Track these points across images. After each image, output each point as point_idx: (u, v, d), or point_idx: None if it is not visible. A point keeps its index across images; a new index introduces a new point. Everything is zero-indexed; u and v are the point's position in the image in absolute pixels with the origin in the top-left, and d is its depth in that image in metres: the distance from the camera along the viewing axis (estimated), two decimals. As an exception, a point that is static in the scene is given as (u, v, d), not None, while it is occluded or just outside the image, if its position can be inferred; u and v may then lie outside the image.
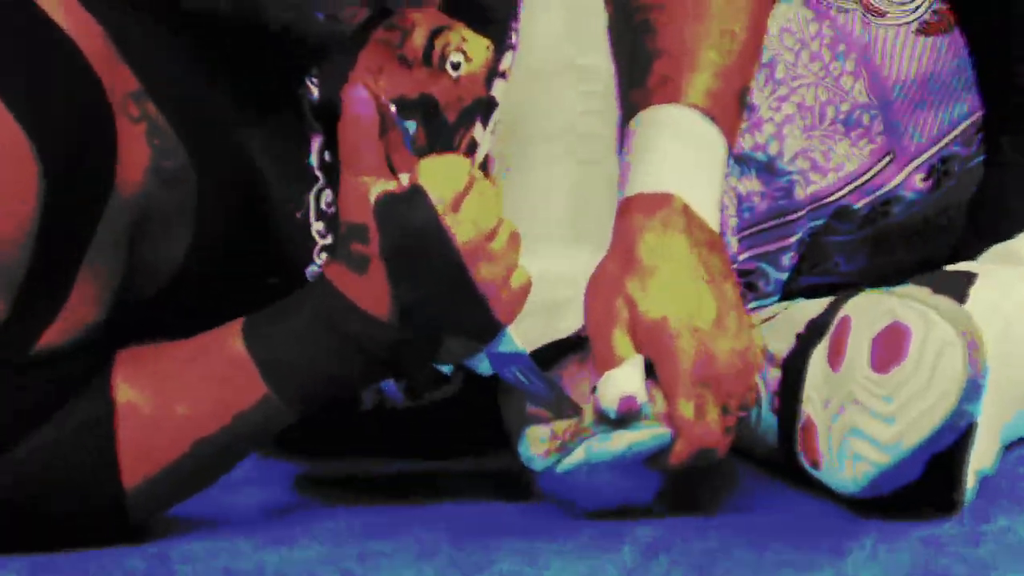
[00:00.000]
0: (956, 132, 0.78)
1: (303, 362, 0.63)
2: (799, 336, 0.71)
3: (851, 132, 0.76)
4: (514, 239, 0.63)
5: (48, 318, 0.62)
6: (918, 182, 0.78)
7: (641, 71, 0.70)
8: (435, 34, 0.67)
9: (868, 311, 0.66)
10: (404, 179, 0.62)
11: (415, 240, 0.60)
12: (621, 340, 0.63)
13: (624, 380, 0.62)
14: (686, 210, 0.66)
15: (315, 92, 0.66)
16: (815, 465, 0.67)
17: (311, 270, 0.68)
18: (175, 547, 0.63)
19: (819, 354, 0.70)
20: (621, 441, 0.62)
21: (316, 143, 0.68)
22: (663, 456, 0.63)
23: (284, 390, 0.63)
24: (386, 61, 0.67)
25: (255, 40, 0.64)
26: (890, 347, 0.64)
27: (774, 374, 0.72)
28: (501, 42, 0.70)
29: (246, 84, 0.66)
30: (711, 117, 0.68)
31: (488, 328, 0.62)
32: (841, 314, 0.67)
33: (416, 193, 0.61)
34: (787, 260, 0.77)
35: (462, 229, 0.61)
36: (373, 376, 0.65)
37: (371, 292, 0.62)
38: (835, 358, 0.67)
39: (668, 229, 0.66)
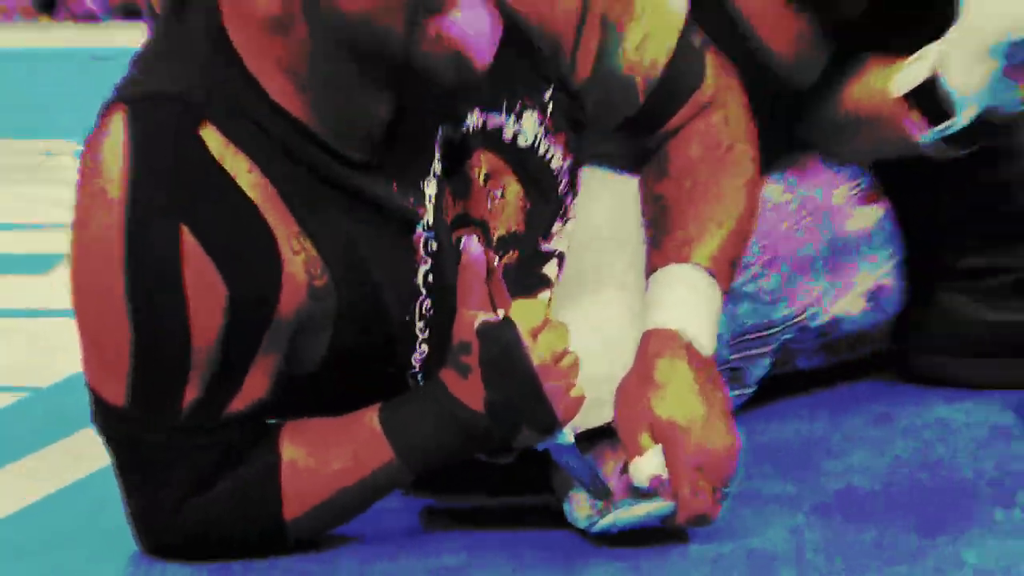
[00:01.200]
0: (887, 267, 1.09)
1: (419, 438, 0.87)
2: None
3: (811, 272, 1.06)
4: (575, 365, 0.87)
5: (229, 397, 0.85)
6: (858, 307, 1.08)
7: (663, 238, 0.96)
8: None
9: None
10: (500, 313, 0.88)
11: (504, 357, 0.85)
12: (645, 436, 0.88)
13: (650, 464, 0.87)
14: (688, 345, 0.91)
15: (423, 228, 0.91)
16: None
17: (415, 358, 0.92)
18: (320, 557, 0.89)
19: None
20: (640, 511, 0.87)
21: (423, 267, 0.93)
22: (669, 519, 0.88)
23: (406, 457, 0.87)
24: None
25: (381, 194, 0.89)
26: None
27: None
28: (558, 212, 0.96)
29: (373, 226, 0.91)
30: (712, 274, 0.93)
31: (552, 425, 0.86)
32: None
33: (507, 324, 0.85)
34: (766, 362, 1.06)
35: (537, 353, 0.85)
36: (469, 451, 0.90)
37: (471, 392, 0.85)
38: None
39: (675, 358, 0.90)
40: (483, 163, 0.92)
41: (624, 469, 0.87)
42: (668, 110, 0.98)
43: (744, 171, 0.99)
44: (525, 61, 0.95)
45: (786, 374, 1.11)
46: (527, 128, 0.95)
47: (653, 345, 0.90)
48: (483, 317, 0.85)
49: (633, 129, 0.99)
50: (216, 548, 0.88)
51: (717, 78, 1.00)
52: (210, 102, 0.83)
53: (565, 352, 0.85)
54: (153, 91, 0.84)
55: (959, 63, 1.02)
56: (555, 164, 0.96)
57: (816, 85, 1.08)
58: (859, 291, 1.10)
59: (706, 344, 0.90)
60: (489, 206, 0.93)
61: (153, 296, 0.83)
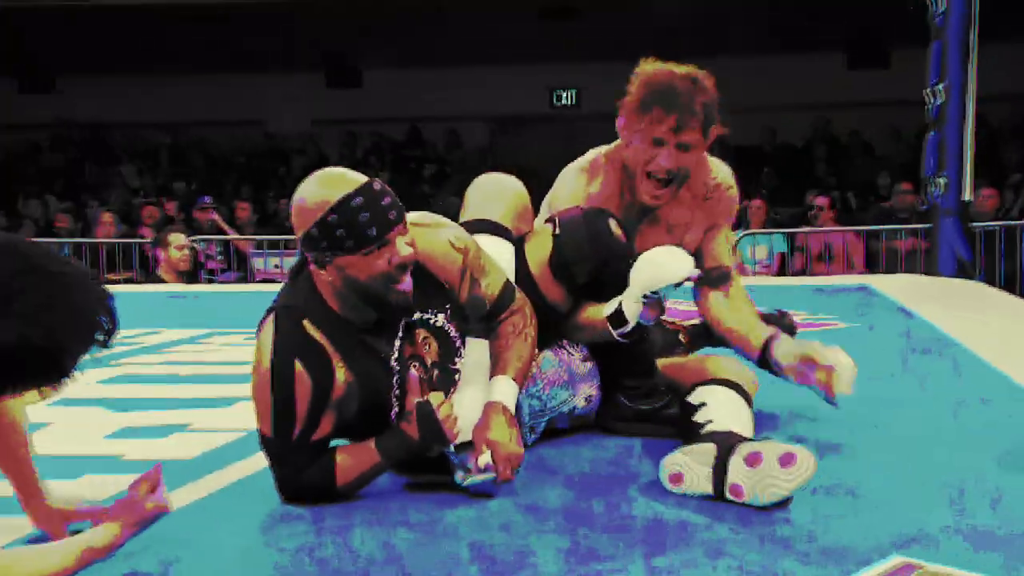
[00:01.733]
0: (594, 387, 2.48)
1: (390, 451, 1.90)
2: (716, 458, 1.89)
3: (563, 389, 2.36)
4: (456, 419, 1.88)
5: (314, 430, 1.88)
6: (582, 404, 2.41)
7: (496, 364, 2.05)
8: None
9: (770, 449, 1.83)
10: (430, 398, 1.91)
11: (425, 418, 1.89)
12: (484, 446, 2.00)
13: (486, 459, 2.00)
14: (504, 407, 1.97)
15: (396, 368, 2.15)
16: (739, 498, 1.84)
17: (392, 414, 1.96)
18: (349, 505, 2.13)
19: (735, 461, 1.84)
20: (481, 477, 1.97)
21: (395, 377, 2.04)
22: (495, 482, 1.93)
23: (386, 459, 1.93)
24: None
25: (376, 346, 2.06)
26: (787, 459, 1.79)
27: (704, 471, 1.88)
28: (456, 353, 2.13)
29: (373, 359, 1.95)
30: (515, 381, 2.04)
31: (447, 444, 1.88)
32: (747, 450, 1.85)
33: (426, 403, 1.87)
34: (542, 425, 2.37)
35: (442, 412, 1.88)
36: (411, 455, 1.89)
37: (412, 430, 1.99)
38: (754, 463, 1.82)
39: (497, 412, 1.96)
40: (421, 333, 2.03)
41: (477, 460, 1.93)
42: (498, 313, 2.09)
43: (529, 341, 2.10)
44: (438, 291, 2.00)
45: (552, 428, 2.38)
46: (439, 319, 2.03)
47: (489, 407, 1.99)
48: (417, 400, 1.90)
49: (486, 319, 2.08)
50: (311, 495, 1.89)
51: (520, 300, 2.12)
52: (307, 309, 1.88)
53: (450, 415, 1.88)
54: (285, 304, 1.93)
55: (628, 301, 2.15)
56: (453, 335, 2.05)
57: (569, 311, 2.34)
58: (582, 396, 2.36)
59: (511, 408, 2.00)
60: (425, 351, 2.06)
61: (282, 388, 1.87)
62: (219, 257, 7.68)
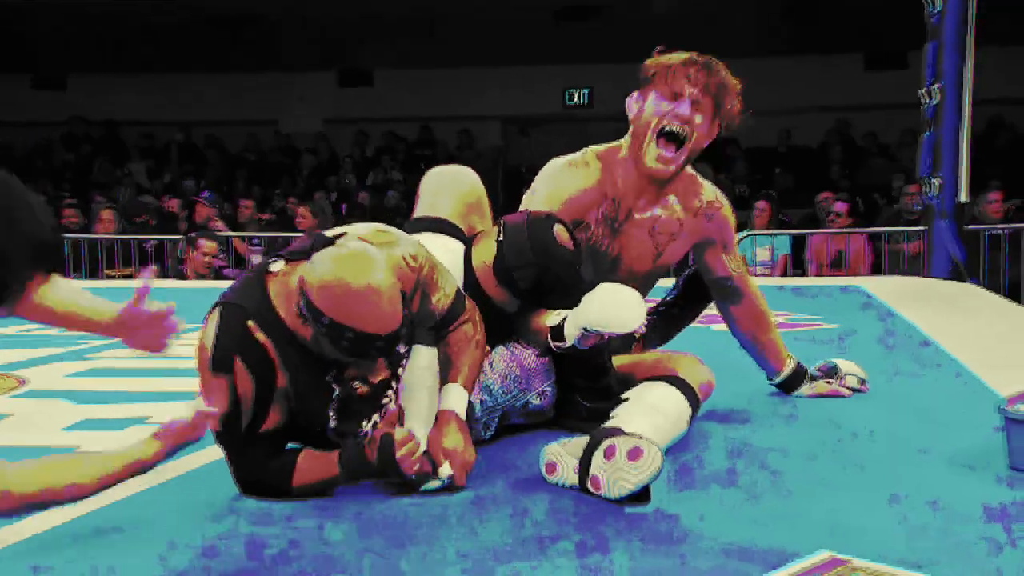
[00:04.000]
0: (548, 383, 2.47)
1: (351, 468, 1.91)
2: (584, 450, 1.94)
3: (515, 384, 2.35)
4: (414, 448, 1.90)
5: (261, 422, 1.89)
6: (536, 400, 2.41)
7: (446, 372, 2.13)
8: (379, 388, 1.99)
9: (623, 443, 1.85)
10: (395, 433, 1.93)
11: (384, 450, 1.89)
12: (441, 456, 2.06)
13: (446, 469, 2.05)
14: (455, 415, 2.09)
15: (336, 388, 1.98)
16: (597, 490, 1.89)
17: (330, 427, 1.96)
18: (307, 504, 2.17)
19: (597, 455, 1.89)
20: (436, 483, 2.04)
21: (336, 389, 2.01)
22: (452, 487, 2.04)
23: (346, 473, 1.99)
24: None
25: (322, 360, 2.04)
26: (635, 454, 1.82)
27: (573, 463, 1.95)
28: (399, 365, 2.16)
29: (314, 363, 1.95)
30: (465, 387, 2.13)
31: (399, 473, 1.89)
32: (607, 444, 1.89)
33: (389, 436, 1.89)
34: (496, 420, 2.41)
35: (402, 449, 1.87)
36: (367, 476, 1.93)
37: (372, 455, 1.93)
38: (610, 456, 1.86)
39: (450, 421, 2.06)
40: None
41: (435, 469, 1.97)
42: (448, 324, 2.14)
43: (477, 347, 2.16)
44: None
45: (507, 425, 2.46)
46: None
47: (442, 417, 2.07)
48: (383, 432, 1.92)
49: (435, 329, 2.13)
50: (266, 491, 1.93)
51: (470, 309, 2.17)
52: (255, 313, 1.87)
53: (413, 452, 1.90)
54: (233, 302, 1.90)
55: (570, 324, 2.16)
56: (400, 350, 2.00)
57: (518, 313, 2.35)
58: (536, 392, 2.35)
59: (462, 415, 2.08)
60: (371, 372, 1.95)
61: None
62: (221, 255, 7.75)
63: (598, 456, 1.90)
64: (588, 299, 2.14)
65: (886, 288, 5.39)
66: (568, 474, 1.98)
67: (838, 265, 7.42)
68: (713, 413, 2.55)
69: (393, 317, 1.80)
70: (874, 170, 10.95)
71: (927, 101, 6.11)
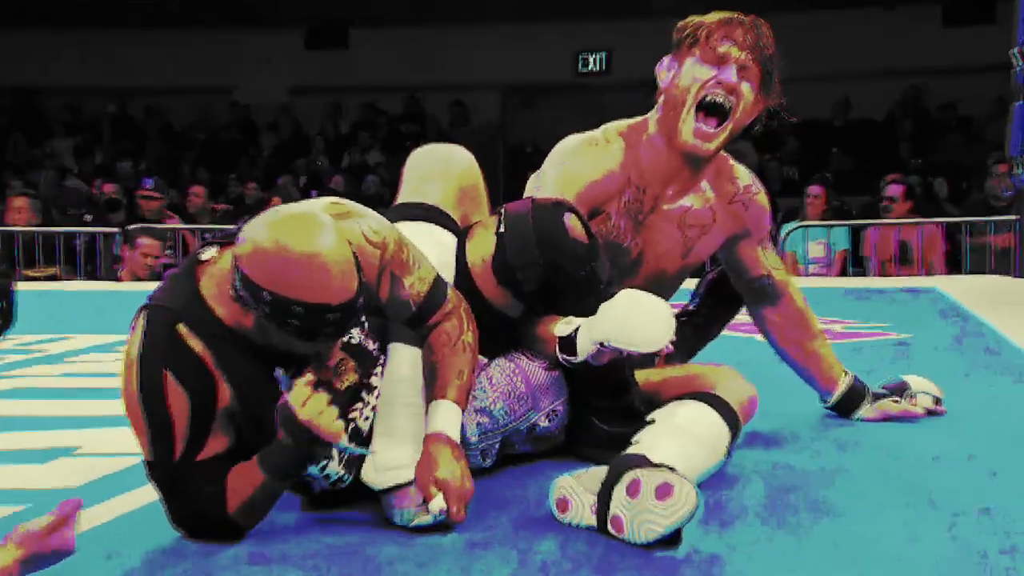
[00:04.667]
0: (559, 402, 2.43)
1: (274, 465, 1.86)
2: (603, 484, 1.92)
3: (519, 403, 2.33)
4: (328, 412, 1.81)
5: (198, 448, 1.87)
6: (544, 421, 2.40)
7: (432, 384, 2.08)
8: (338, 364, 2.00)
9: (650, 477, 1.84)
10: (288, 397, 1.82)
11: (287, 420, 1.82)
12: (433, 487, 1.96)
13: (438, 503, 2.01)
14: (448, 439, 2.01)
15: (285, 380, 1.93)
16: (619, 533, 1.87)
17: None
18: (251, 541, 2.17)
19: (618, 490, 1.88)
20: (428, 518, 2.03)
21: (284, 391, 1.89)
22: (445, 523, 2.02)
23: (272, 475, 1.86)
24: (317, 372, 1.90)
25: (270, 356, 1.97)
26: (664, 491, 1.81)
27: (590, 500, 1.94)
28: (373, 368, 2.14)
29: (260, 368, 1.92)
30: (456, 402, 2.07)
31: (315, 441, 1.82)
32: (630, 477, 1.87)
33: (285, 403, 1.82)
34: (496, 447, 2.38)
35: (307, 409, 1.79)
36: (293, 466, 1.88)
37: (280, 434, 1.83)
38: (634, 494, 1.84)
39: (443, 445, 2.00)
40: (336, 356, 2.01)
41: (423, 502, 1.97)
42: (427, 316, 2.10)
43: (468, 351, 2.12)
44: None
45: (509, 454, 2.40)
46: (355, 336, 2.04)
47: (432, 442, 2.02)
48: (278, 404, 1.84)
49: (411, 323, 2.10)
50: (208, 528, 1.91)
51: (456, 299, 2.14)
52: (183, 313, 1.87)
53: (320, 410, 1.81)
54: (158, 304, 1.90)
55: (584, 336, 2.17)
56: (371, 349, 2.08)
57: (521, 320, 2.33)
58: (544, 412, 2.35)
59: (455, 438, 2.04)
60: (336, 375, 2.00)
61: (153, 405, 1.85)
62: (168, 252, 7.78)
63: (619, 492, 1.91)
64: (606, 309, 2.15)
65: (966, 290, 5.41)
66: (583, 513, 1.98)
67: (905, 261, 7.42)
68: (755, 437, 2.57)
69: (346, 282, 1.80)
70: (953, 147, 10.96)
71: (1020, 63, 6.12)
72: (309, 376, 1.87)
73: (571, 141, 2.59)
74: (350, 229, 2.00)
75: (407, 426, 2.11)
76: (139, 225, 7.72)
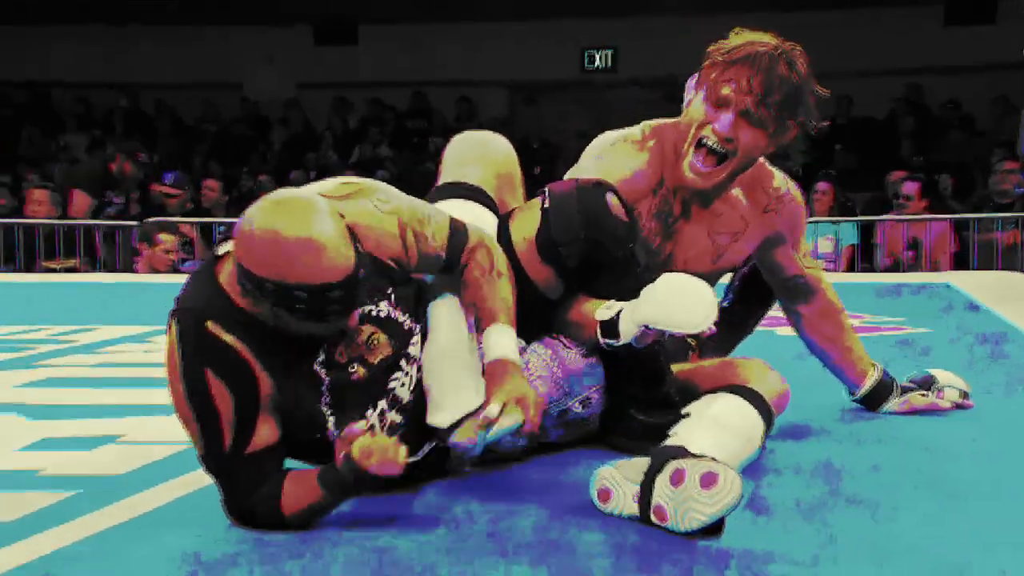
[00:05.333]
0: (593, 389, 2.43)
1: (331, 488, 1.89)
2: (646, 474, 1.94)
3: (555, 387, 2.35)
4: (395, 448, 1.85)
5: (247, 441, 1.90)
6: (577, 407, 2.40)
7: (481, 316, 2.12)
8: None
9: (694, 466, 1.86)
10: (352, 448, 1.85)
11: (353, 469, 1.85)
12: (512, 403, 1.99)
13: (513, 414, 1.97)
14: (513, 363, 2.05)
15: (325, 376, 2.01)
16: (662, 522, 1.90)
17: (331, 428, 2.01)
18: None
19: (661, 479, 1.90)
20: (503, 428, 1.98)
21: (326, 382, 1.99)
22: (518, 434, 2.06)
23: (328, 492, 1.89)
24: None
25: (298, 340, 1.94)
26: (709, 480, 1.83)
27: (634, 489, 1.94)
28: (410, 339, 2.12)
29: (295, 352, 1.95)
30: (509, 323, 2.11)
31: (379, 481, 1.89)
32: (673, 467, 1.91)
33: (349, 456, 1.85)
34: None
35: (371, 459, 1.83)
36: (354, 494, 1.93)
37: (346, 475, 1.86)
38: (677, 482, 1.87)
39: (512, 371, 2.04)
40: (366, 330, 2.04)
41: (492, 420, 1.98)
42: (456, 259, 2.14)
43: (504, 278, 2.16)
44: (378, 273, 2.03)
45: (541, 442, 2.38)
46: (383, 308, 2.06)
47: (496, 369, 2.06)
48: (344, 452, 1.88)
49: (445, 269, 2.14)
50: (260, 522, 1.93)
51: (476, 236, 2.16)
52: (209, 310, 1.90)
53: (386, 452, 1.85)
54: (183, 308, 1.92)
55: (625, 320, 2.22)
56: (403, 321, 2.09)
57: (559, 303, 2.37)
58: (579, 398, 2.37)
59: (516, 360, 2.09)
60: (368, 350, 2.04)
61: (200, 402, 1.90)
62: (185, 248, 7.80)
63: (663, 481, 1.92)
64: (649, 291, 2.17)
65: (979, 285, 5.42)
66: (626, 503, 1.99)
67: (914, 257, 7.45)
68: (786, 429, 2.58)
69: (342, 257, 1.82)
70: (955, 145, 10.97)
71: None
72: (362, 424, 1.89)
73: (609, 136, 2.60)
74: (363, 208, 2.04)
75: (458, 376, 2.13)
76: (156, 219, 7.72)
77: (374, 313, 2.06)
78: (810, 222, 7.66)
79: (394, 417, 2.08)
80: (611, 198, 2.33)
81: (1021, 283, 5.76)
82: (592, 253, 2.31)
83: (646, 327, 2.18)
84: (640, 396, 2.44)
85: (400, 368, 2.09)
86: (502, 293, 2.17)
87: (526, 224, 2.35)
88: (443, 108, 13.30)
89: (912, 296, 5.18)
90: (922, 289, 5.47)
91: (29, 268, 7.90)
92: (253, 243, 1.81)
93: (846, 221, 7.80)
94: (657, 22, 11.98)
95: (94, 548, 1.89)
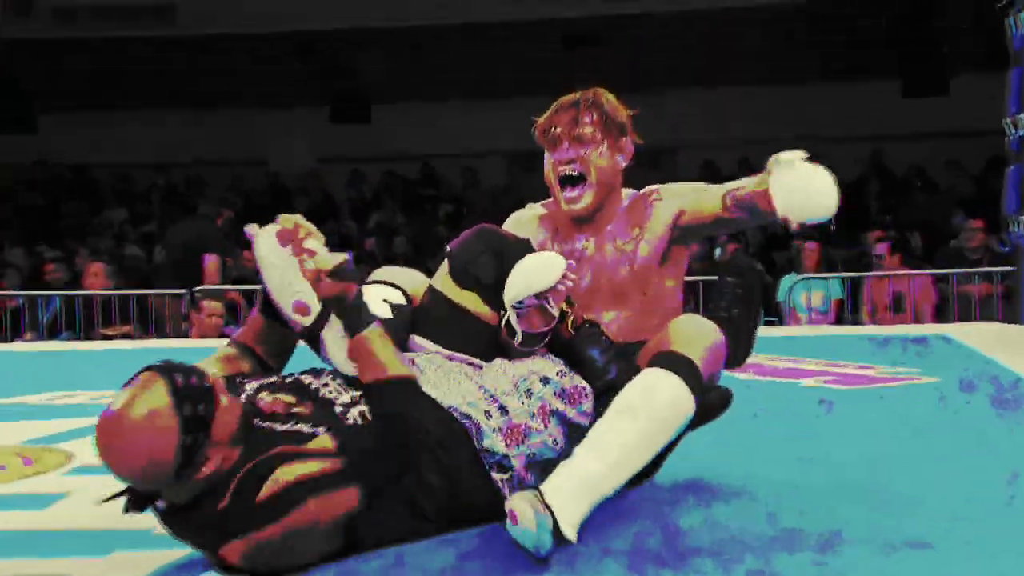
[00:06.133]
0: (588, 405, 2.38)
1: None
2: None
3: (549, 421, 2.31)
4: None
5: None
6: (559, 437, 2.35)
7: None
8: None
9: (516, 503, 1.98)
10: None
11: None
12: None
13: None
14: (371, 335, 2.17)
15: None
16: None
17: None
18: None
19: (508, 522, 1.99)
20: None
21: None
22: None
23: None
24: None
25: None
26: (511, 516, 1.99)
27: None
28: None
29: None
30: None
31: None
32: (507, 506, 1.99)
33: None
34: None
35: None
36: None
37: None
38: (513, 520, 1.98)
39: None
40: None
41: None
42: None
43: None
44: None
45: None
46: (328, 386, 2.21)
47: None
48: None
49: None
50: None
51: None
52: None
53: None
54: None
55: (508, 315, 2.28)
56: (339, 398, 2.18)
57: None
58: (585, 410, 2.30)
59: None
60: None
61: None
62: (230, 313, 7.81)
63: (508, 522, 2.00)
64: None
65: (977, 336, 5.46)
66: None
67: (898, 310, 7.52)
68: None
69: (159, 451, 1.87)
70: (919, 205, 11.09)
71: (1012, 132, 6.23)
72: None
73: (522, 214, 2.78)
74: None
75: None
76: (203, 287, 7.75)
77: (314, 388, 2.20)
78: (802, 279, 7.80)
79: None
80: (504, 230, 2.51)
81: (1015, 334, 5.81)
82: (497, 264, 2.35)
83: (519, 306, 2.26)
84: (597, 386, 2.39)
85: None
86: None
87: (441, 271, 2.44)
88: (450, 177, 13.41)
89: (916, 348, 5.20)
90: (924, 341, 5.50)
91: (87, 335, 7.91)
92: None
93: (835, 277, 7.87)
94: (639, 97, 12.05)
95: None
